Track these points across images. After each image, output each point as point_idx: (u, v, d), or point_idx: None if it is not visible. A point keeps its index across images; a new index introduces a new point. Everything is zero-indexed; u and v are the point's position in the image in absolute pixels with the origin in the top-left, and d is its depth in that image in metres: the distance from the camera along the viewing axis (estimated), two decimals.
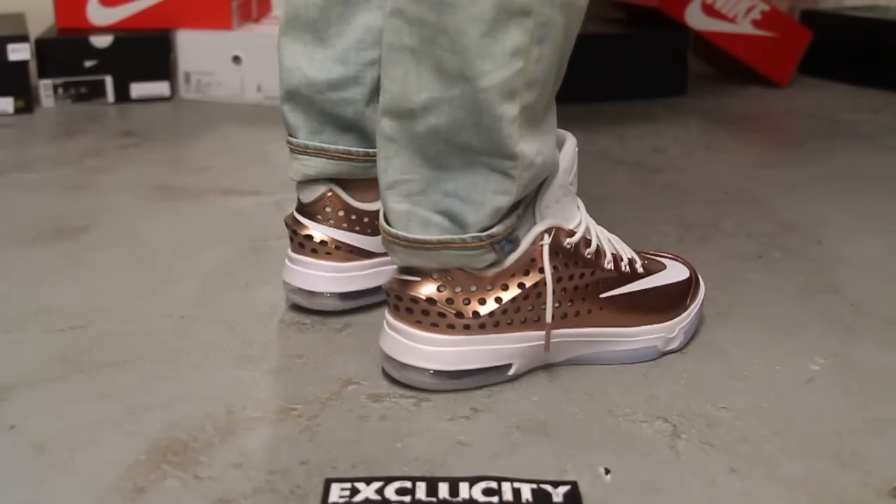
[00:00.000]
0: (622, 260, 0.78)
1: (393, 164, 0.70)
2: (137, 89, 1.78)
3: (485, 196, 0.70)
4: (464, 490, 0.60)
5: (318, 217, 0.85)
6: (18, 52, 1.65)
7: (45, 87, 1.73)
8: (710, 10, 1.85)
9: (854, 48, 1.93)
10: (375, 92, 0.82)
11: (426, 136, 0.69)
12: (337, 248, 0.85)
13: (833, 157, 1.41)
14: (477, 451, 0.66)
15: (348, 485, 0.61)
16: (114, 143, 1.50)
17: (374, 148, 0.78)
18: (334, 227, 0.85)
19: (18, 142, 1.51)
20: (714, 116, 1.67)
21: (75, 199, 1.22)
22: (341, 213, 0.85)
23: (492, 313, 0.73)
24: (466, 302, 0.72)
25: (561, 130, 0.76)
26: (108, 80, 1.76)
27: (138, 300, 0.91)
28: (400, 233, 0.71)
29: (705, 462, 0.65)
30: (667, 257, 0.85)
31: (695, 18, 1.84)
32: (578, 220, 0.75)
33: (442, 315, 0.72)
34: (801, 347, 0.81)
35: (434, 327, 0.73)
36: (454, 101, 0.67)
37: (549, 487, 0.61)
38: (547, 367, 0.77)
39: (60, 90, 1.74)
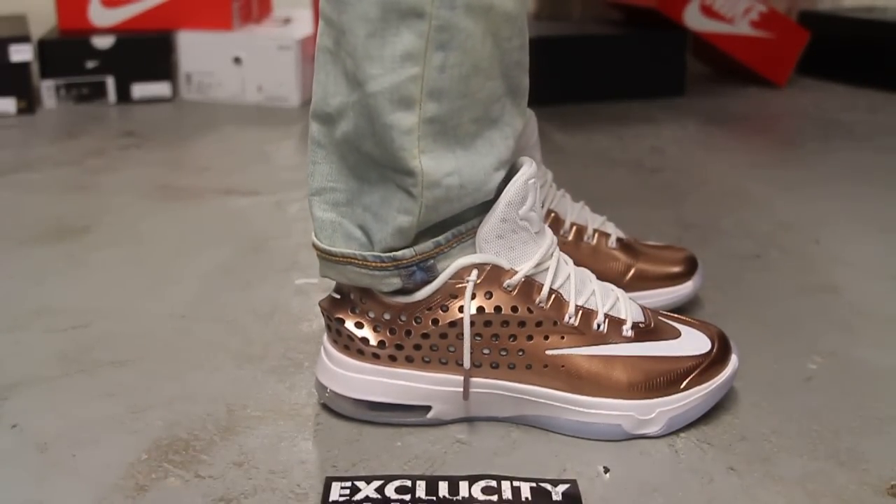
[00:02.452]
0: (595, 317, 0.68)
1: (320, 170, 0.66)
2: (139, 90, 1.78)
3: (389, 213, 0.64)
4: (463, 488, 0.61)
5: None
6: (20, 53, 1.65)
7: (46, 88, 1.73)
8: (708, 11, 1.85)
9: (852, 49, 1.94)
10: None
11: (343, 144, 0.65)
12: None
13: (831, 157, 1.41)
14: (476, 449, 0.66)
15: (348, 483, 0.61)
16: (115, 144, 1.50)
17: None
18: None
19: (20, 142, 1.52)
20: (712, 117, 1.68)
21: (77, 199, 1.23)
22: None
23: (400, 346, 0.67)
24: (376, 329, 0.67)
25: (523, 158, 0.68)
26: (110, 81, 1.76)
27: (139, 300, 0.92)
28: (314, 240, 0.68)
29: (704, 461, 0.65)
30: (692, 324, 0.72)
31: (693, 19, 1.85)
32: (534, 262, 0.66)
33: (350, 338, 0.68)
34: (799, 346, 0.81)
35: (346, 350, 0.68)
36: (355, 106, 0.63)
37: (548, 486, 0.61)
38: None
39: (62, 91, 1.74)
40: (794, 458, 0.65)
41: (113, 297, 0.92)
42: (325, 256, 0.67)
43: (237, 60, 1.78)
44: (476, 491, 0.60)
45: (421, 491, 0.60)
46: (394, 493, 0.60)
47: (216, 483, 0.62)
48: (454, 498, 0.60)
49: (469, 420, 0.70)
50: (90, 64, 1.75)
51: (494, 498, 0.60)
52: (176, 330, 0.85)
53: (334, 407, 0.70)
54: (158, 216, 1.16)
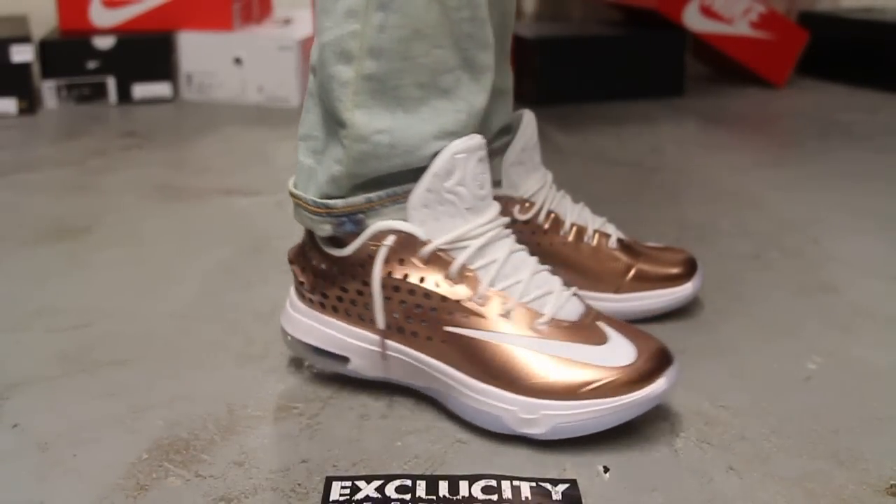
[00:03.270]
0: (506, 304, 0.67)
1: (308, 119, 0.71)
2: (139, 90, 1.78)
3: (328, 161, 0.68)
4: (463, 488, 0.61)
5: None
6: (21, 54, 1.66)
7: (47, 89, 1.74)
8: (707, 12, 1.86)
9: (851, 49, 1.94)
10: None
11: (318, 94, 0.70)
12: None
13: (830, 157, 1.41)
14: (476, 449, 0.66)
15: (349, 483, 0.61)
16: (116, 144, 1.50)
17: None
18: None
19: (22, 142, 1.52)
20: (712, 117, 1.68)
21: (78, 199, 1.23)
22: None
23: (325, 294, 0.71)
24: (315, 275, 0.71)
25: (475, 136, 0.68)
26: (111, 81, 1.77)
27: (140, 300, 0.92)
28: (289, 185, 0.73)
29: (703, 460, 0.65)
30: (632, 335, 0.68)
31: (692, 20, 1.85)
32: (450, 237, 0.67)
33: (299, 283, 0.73)
34: (799, 346, 0.81)
35: (297, 293, 0.74)
36: (318, 58, 0.68)
37: (548, 485, 0.61)
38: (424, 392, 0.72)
39: (63, 91, 1.75)
40: (793, 457, 0.65)
41: (114, 297, 0.92)
42: (293, 199, 0.73)
43: (238, 61, 1.79)
44: (476, 490, 0.60)
45: (421, 490, 0.60)
46: (394, 492, 0.60)
47: (217, 482, 0.63)
48: (454, 497, 0.60)
49: (390, 383, 0.72)
50: (91, 64, 1.75)
51: (494, 497, 0.60)
52: (177, 330, 0.85)
53: (293, 351, 0.76)
54: (159, 216, 1.16)
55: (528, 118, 0.84)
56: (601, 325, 0.69)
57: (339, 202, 0.68)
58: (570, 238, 0.85)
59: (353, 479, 0.62)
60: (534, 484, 0.61)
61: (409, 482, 0.61)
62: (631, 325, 0.71)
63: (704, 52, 2.00)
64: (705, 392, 0.74)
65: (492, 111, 0.80)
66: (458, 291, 0.67)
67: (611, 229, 0.87)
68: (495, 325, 0.67)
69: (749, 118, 1.69)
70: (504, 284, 0.68)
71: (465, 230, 0.67)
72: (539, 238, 0.85)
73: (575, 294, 0.70)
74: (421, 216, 0.67)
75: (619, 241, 0.86)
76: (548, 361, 0.66)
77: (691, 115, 1.70)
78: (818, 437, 0.68)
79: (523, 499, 0.60)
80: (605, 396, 0.65)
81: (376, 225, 0.68)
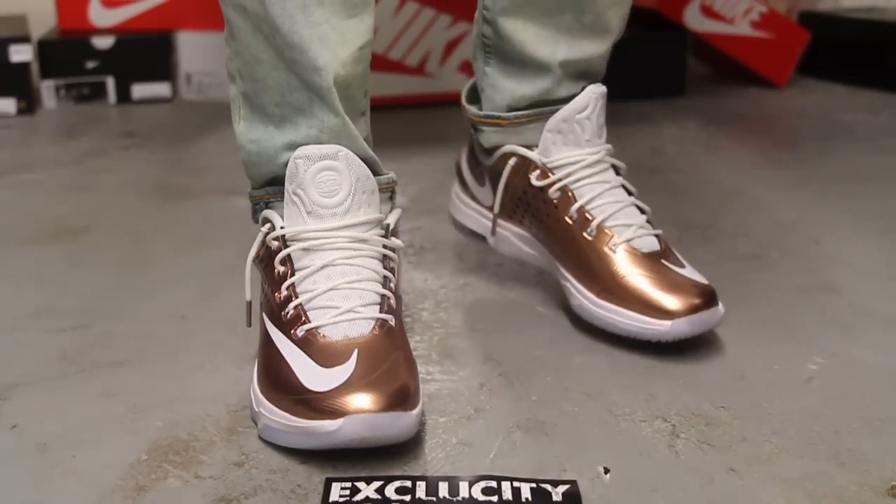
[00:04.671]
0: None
1: None
2: (139, 90, 1.78)
3: None
4: (463, 489, 0.61)
5: None
6: (20, 54, 1.65)
7: (46, 88, 1.73)
8: (708, 12, 1.85)
9: (852, 49, 1.94)
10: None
11: None
12: None
13: (831, 157, 1.41)
14: (476, 450, 0.66)
15: (349, 484, 0.61)
16: (115, 144, 1.50)
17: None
18: None
19: (20, 142, 1.52)
20: (712, 117, 1.68)
21: (77, 199, 1.23)
22: None
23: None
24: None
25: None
26: (110, 81, 1.77)
27: (139, 300, 0.92)
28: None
29: (704, 461, 0.65)
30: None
31: (693, 19, 1.85)
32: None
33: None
34: (800, 347, 0.81)
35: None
36: None
37: (548, 486, 0.61)
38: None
39: (62, 91, 1.75)
40: (794, 458, 0.65)
41: (113, 297, 0.92)
42: None
43: None
44: (476, 491, 0.60)
45: (421, 491, 0.60)
46: (394, 493, 0.60)
47: (216, 483, 0.62)
48: (454, 498, 0.60)
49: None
50: (90, 64, 1.75)
51: (494, 498, 0.60)
52: (176, 330, 0.85)
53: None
54: (158, 216, 1.16)
55: (586, 94, 0.84)
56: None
57: (252, 192, 0.81)
58: (572, 222, 0.84)
59: (352, 479, 0.61)
60: (534, 485, 0.61)
61: (408, 483, 0.61)
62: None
63: (705, 52, 1.99)
64: (706, 393, 0.73)
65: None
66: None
67: (630, 233, 0.82)
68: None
69: (750, 118, 1.69)
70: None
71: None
72: (548, 209, 0.85)
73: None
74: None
75: (632, 247, 0.81)
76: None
77: (692, 115, 1.70)
78: (819, 438, 0.68)
79: (523, 500, 0.60)
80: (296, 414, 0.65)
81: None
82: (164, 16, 1.81)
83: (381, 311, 0.70)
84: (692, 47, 2.02)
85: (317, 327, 0.68)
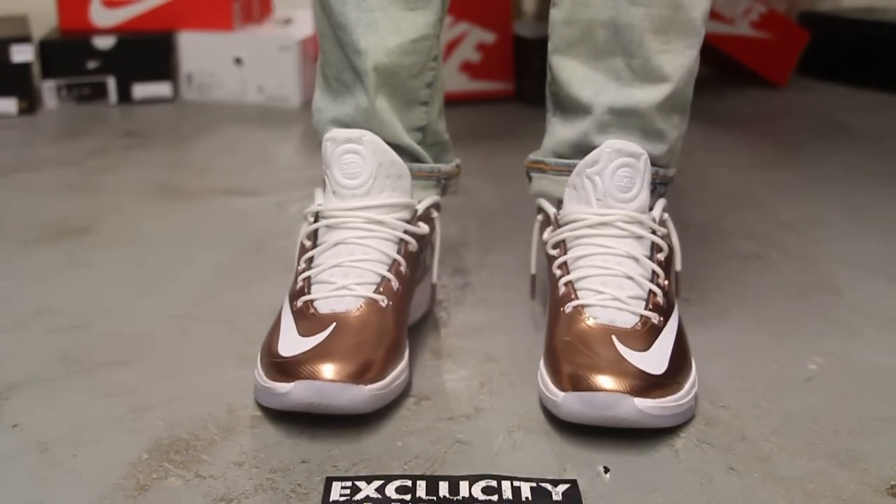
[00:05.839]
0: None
1: None
2: (140, 90, 1.78)
3: None
4: (464, 488, 0.61)
5: None
6: (22, 54, 1.65)
7: (48, 89, 1.74)
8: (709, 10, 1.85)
9: (852, 49, 1.94)
10: None
11: None
12: None
13: (831, 157, 1.41)
14: (477, 449, 0.66)
15: (349, 483, 0.61)
16: (116, 144, 1.50)
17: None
18: None
19: (22, 142, 1.52)
20: (712, 117, 1.68)
21: (78, 199, 1.23)
22: None
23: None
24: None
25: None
26: (111, 81, 1.77)
27: (140, 300, 0.92)
28: None
29: (704, 461, 0.65)
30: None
31: None
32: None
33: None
34: (799, 347, 0.81)
35: None
36: None
37: (548, 486, 0.61)
38: None
39: (63, 91, 1.75)
40: (793, 458, 0.65)
41: (114, 297, 0.92)
42: None
43: (238, 61, 1.79)
44: (476, 491, 0.60)
45: (421, 491, 0.60)
46: (394, 492, 0.60)
47: (217, 483, 0.63)
48: (454, 498, 0.60)
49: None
50: (91, 64, 1.75)
51: (495, 498, 0.60)
52: (176, 330, 0.85)
53: None
54: (159, 216, 1.16)
55: (600, 147, 0.77)
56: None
57: None
58: (554, 279, 0.77)
59: (353, 479, 0.62)
60: (534, 484, 0.61)
61: (409, 482, 0.61)
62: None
63: (705, 53, 1.99)
64: (706, 392, 0.73)
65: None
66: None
67: (594, 300, 0.73)
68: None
69: (750, 118, 1.69)
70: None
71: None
72: (548, 265, 0.80)
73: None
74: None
75: (584, 313, 0.72)
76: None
77: (692, 115, 1.69)
78: (819, 437, 0.68)
79: (523, 499, 0.60)
80: None
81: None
82: (164, 16, 1.81)
83: (375, 291, 0.73)
84: None
85: (312, 300, 0.72)
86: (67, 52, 1.74)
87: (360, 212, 0.76)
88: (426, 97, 0.83)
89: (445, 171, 0.87)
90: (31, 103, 1.68)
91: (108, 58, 1.75)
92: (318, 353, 0.67)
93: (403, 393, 0.73)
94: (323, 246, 0.75)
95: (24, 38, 1.66)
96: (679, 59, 0.79)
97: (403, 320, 0.75)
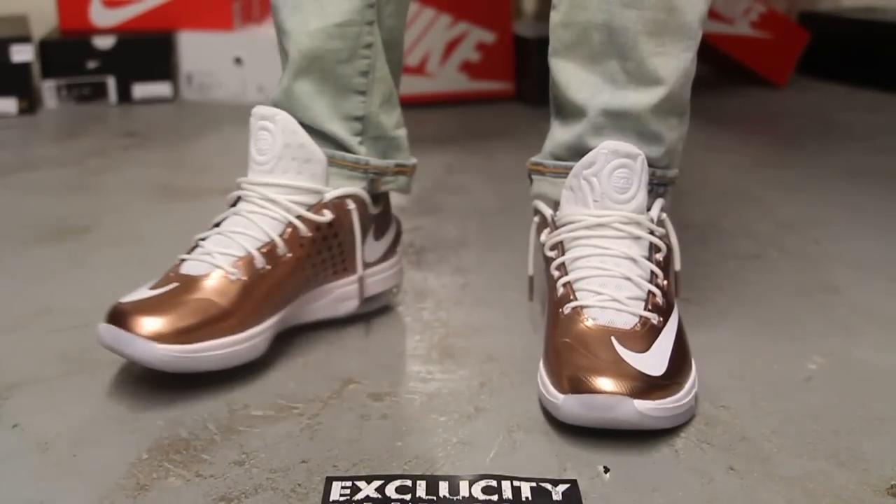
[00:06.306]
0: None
1: None
2: (140, 90, 1.78)
3: None
4: (463, 488, 0.61)
5: None
6: (22, 54, 1.66)
7: (48, 88, 1.74)
8: (708, 12, 1.85)
9: (851, 49, 1.94)
10: None
11: None
12: None
13: (831, 157, 1.41)
14: (477, 449, 0.66)
15: (349, 483, 0.61)
16: (116, 144, 1.50)
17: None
18: None
19: (22, 142, 1.52)
20: (712, 117, 1.68)
21: (78, 199, 1.23)
22: None
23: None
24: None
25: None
26: (111, 81, 1.77)
27: None
28: None
29: (704, 461, 0.65)
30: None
31: None
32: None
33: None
34: (799, 347, 0.81)
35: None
36: None
37: (548, 486, 0.61)
38: None
39: (63, 91, 1.75)
40: (793, 458, 0.65)
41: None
42: None
43: (238, 61, 1.79)
44: (476, 491, 0.60)
45: (421, 491, 0.60)
46: (394, 492, 0.60)
47: (217, 482, 0.63)
48: (454, 498, 0.60)
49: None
50: (91, 64, 1.75)
51: (494, 498, 0.60)
52: None
53: None
54: (159, 216, 1.16)
55: (596, 149, 0.77)
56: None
57: None
58: (552, 279, 0.78)
59: (353, 479, 0.62)
60: (534, 484, 0.61)
61: (409, 482, 0.61)
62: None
63: (705, 52, 1.99)
64: (706, 392, 0.74)
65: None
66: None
67: (593, 301, 0.73)
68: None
69: (750, 118, 1.69)
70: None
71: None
72: (546, 268, 0.80)
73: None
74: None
75: (583, 314, 0.72)
76: None
77: (692, 115, 1.69)
78: (818, 437, 0.68)
79: (523, 499, 0.60)
80: None
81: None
82: (164, 16, 1.81)
83: (231, 264, 0.76)
84: None
85: (182, 259, 0.78)
86: (67, 52, 1.74)
87: (259, 187, 0.80)
88: (361, 86, 0.83)
89: (375, 166, 0.84)
90: (31, 103, 1.68)
91: (108, 58, 1.75)
92: (140, 305, 0.73)
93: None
94: (224, 214, 0.80)
95: (24, 38, 1.66)
96: (674, 62, 0.79)
97: (260, 301, 0.76)
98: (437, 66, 1.73)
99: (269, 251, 0.77)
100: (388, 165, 0.86)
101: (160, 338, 0.70)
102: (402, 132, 0.87)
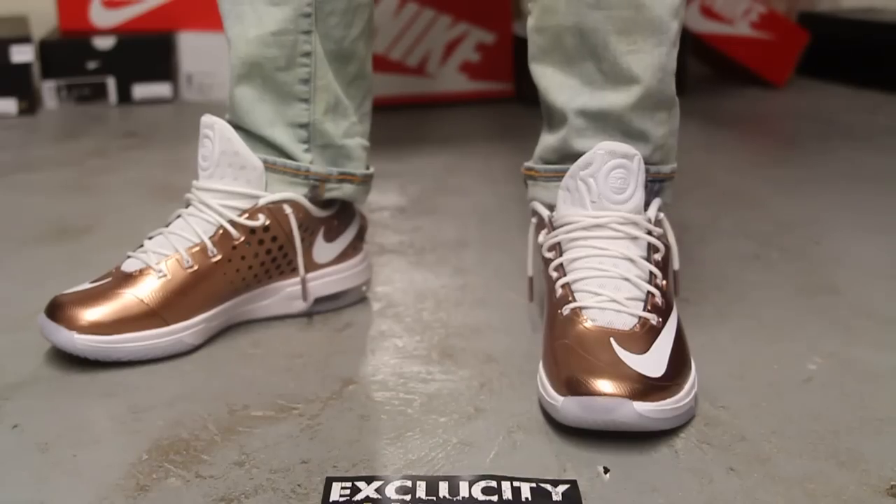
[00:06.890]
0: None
1: None
2: (139, 91, 1.78)
3: None
4: (463, 489, 0.61)
5: None
6: (22, 54, 1.66)
7: (48, 89, 1.74)
8: (708, 13, 1.86)
9: (851, 50, 1.94)
10: None
11: None
12: None
13: (830, 157, 1.41)
14: (477, 450, 0.66)
15: (349, 483, 0.61)
16: (116, 144, 1.50)
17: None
18: None
19: (22, 143, 1.52)
20: (712, 117, 1.68)
21: (78, 199, 1.23)
22: None
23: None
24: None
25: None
26: (111, 82, 1.77)
27: None
28: None
29: (704, 461, 0.65)
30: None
31: (693, 20, 1.85)
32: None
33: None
34: (799, 347, 0.81)
35: None
36: None
37: (548, 486, 0.61)
38: None
39: (63, 91, 1.75)
40: (793, 458, 0.65)
41: None
42: None
43: None
44: (476, 491, 0.60)
45: (421, 491, 0.60)
46: (394, 493, 0.60)
47: (217, 483, 0.63)
48: (454, 498, 0.60)
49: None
50: (91, 65, 1.75)
51: (494, 498, 0.60)
52: None
53: None
54: (160, 216, 1.16)
55: (592, 150, 0.77)
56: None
57: None
58: (550, 281, 0.78)
59: (353, 479, 0.62)
60: (534, 485, 0.61)
61: (409, 483, 0.61)
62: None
63: (705, 53, 2.00)
64: (705, 393, 0.74)
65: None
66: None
67: (592, 302, 0.72)
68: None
69: (750, 119, 1.69)
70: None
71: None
72: (545, 269, 0.81)
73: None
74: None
75: (582, 315, 0.72)
76: None
77: (692, 115, 1.69)
78: (818, 437, 0.68)
79: (523, 500, 0.60)
80: None
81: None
82: (164, 16, 1.81)
83: (159, 263, 0.80)
84: (692, 48, 2.02)
85: (127, 256, 0.82)
86: (67, 53, 1.74)
87: (199, 192, 0.84)
88: (304, 94, 0.84)
89: (316, 172, 0.85)
90: (31, 103, 1.69)
91: (108, 58, 1.75)
92: (72, 297, 0.78)
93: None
94: (176, 213, 0.84)
95: (24, 39, 1.66)
96: (648, 59, 0.78)
97: (188, 297, 0.80)
98: (437, 66, 1.73)
99: (199, 252, 0.81)
100: (331, 173, 0.86)
101: (81, 329, 0.76)
102: (353, 142, 0.87)
